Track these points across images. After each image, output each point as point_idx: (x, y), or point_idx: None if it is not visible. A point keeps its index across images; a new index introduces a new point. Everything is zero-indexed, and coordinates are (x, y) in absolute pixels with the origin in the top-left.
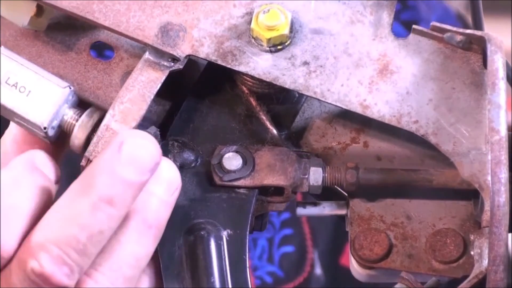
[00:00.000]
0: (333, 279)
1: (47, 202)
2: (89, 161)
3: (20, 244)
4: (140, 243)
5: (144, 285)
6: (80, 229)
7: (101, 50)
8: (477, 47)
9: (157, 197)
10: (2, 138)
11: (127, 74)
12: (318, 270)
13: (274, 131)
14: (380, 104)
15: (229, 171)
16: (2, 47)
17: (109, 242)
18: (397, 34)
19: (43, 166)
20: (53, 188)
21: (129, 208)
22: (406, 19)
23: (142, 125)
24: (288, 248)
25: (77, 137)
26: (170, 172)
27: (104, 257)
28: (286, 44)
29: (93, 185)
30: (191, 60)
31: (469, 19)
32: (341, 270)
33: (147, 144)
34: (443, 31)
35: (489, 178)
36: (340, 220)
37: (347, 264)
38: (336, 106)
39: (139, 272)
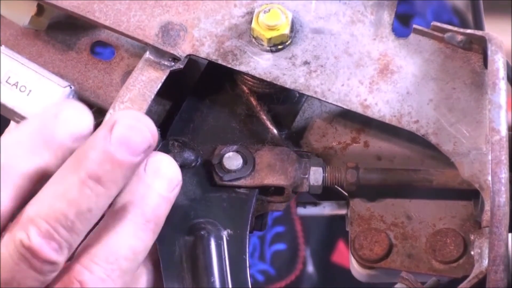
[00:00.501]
0: (325, 276)
1: (49, 172)
2: None
3: (16, 205)
4: (137, 237)
5: (142, 279)
6: (68, 206)
7: (93, 46)
8: (478, 47)
9: (157, 192)
10: (2, 137)
11: (128, 73)
12: (310, 268)
13: (275, 131)
14: (381, 104)
15: (229, 171)
16: (3, 46)
17: (106, 233)
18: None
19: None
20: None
21: (119, 188)
22: (401, 13)
23: None
24: (280, 246)
25: None
26: (171, 168)
27: (100, 248)
28: (287, 43)
29: (82, 162)
30: (192, 60)
31: (466, 13)
32: (333, 268)
33: (140, 126)
34: (444, 31)
35: (489, 178)
36: (332, 217)
37: (340, 261)
38: (336, 106)
39: (136, 266)
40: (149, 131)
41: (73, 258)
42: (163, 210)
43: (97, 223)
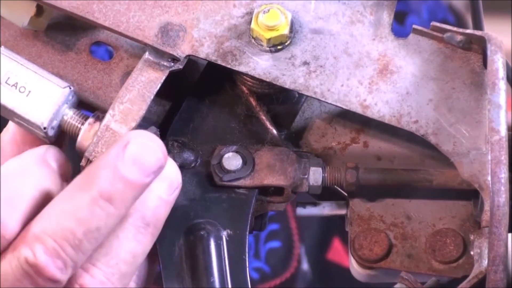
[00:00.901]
0: (320, 274)
1: (50, 195)
2: (89, 161)
3: (21, 230)
4: (137, 240)
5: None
6: (77, 224)
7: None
8: (477, 47)
9: (157, 195)
10: (1, 136)
11: (127, 74)
12: (305, 266)
13: (274, 131)
14: (380, 104)
15: (229, 171)
16: (2, 47)
17: (107, 237)
18: None
19: (53, 161)
20: (58, 183)
21: (128, 208)
22: (395, 11)
23: (142, 125)
24: (275, 244)
25: (86, 139)
26: (171, 171)
27: (101, 252)
28: (286, 44)
29: (94, 181)
30: (191, 60)
31: (465, 13)
32: (328, 265)
33: (153, 146)
34: (443, 31)
35: (489, 178)
36: (327, 215)
37: (334, 259)
38: (336, 106)
39: (135, 269)
40: (161, 151)
41: None
42: (163, 213)
43: None
